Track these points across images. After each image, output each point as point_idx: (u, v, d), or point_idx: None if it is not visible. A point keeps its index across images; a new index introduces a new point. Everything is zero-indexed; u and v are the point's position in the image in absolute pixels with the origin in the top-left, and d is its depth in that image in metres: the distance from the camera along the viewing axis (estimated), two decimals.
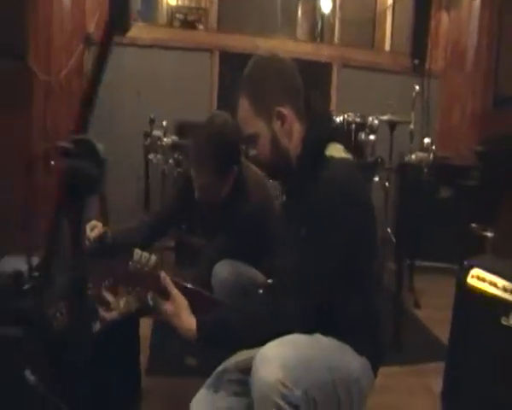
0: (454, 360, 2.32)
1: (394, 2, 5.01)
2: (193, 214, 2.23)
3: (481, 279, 2.23)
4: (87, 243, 1.98)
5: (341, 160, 1.51)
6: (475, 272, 2.24)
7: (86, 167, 0.99)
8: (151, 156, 3.24)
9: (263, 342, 1.33)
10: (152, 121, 3.20)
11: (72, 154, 1.00)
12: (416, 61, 4.01)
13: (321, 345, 1.41)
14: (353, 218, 1.42)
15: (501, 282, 2.19)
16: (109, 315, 1.78)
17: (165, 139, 3.11)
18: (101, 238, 1.98)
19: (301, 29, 6.15)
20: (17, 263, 1.92)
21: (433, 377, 2.59)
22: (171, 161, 3.09)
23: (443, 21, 4.21)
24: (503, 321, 2.14)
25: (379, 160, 2.91)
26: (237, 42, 3.98)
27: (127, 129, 3.85)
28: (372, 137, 2.89)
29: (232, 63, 3.96)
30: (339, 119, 3.01)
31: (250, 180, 2.07)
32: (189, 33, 4.02)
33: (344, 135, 2.91)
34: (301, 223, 1.46)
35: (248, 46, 3.94)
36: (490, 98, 4.09)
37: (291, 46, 4.10)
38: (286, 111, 1.51)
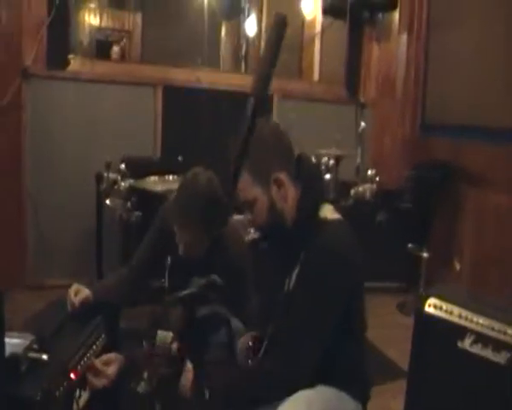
0: (414, 384, 2.50)
1: (322, 30, 5.20)
2: (169, 268, 2.19)
3: (438, 307, 2.42)
4: (70, 308, 1.98)
5: (336, 222, 1.61)
6: (432, 301, 2.44)
7: None
8: (108, 201, 3.15)
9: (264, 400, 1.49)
10: (108, 165, 3.13)
11: None
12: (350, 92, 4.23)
13: (325, 397, 1.52)
14: (346, 281, 1.56)
15: (456, 309, 2.40)
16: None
17: (122, 183, 3.06)
18: (85, 301, 2.00)
19: (224, 52, 6.21)
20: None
21: (390, 397, 2.76)
22: (128, 204, 3.03)
23: (374, 53, 4.47)
24: (459, 345, 2.36)
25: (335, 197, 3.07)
26: (178, 75, 4.02)
27: (73, 172, 3.81)
28: (328, 176, 3.04)
29: (177, 97, 3.99)
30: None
31: (227, 231, 2.11)
32: (130, 67, 4.01)
33: None
34: (293, 281, 1.57)
35: (190, 79, 4.01)
36: (417, 125, 4.39)
37: (235, 79, 4.18)
38: (282, 176, 1.58)
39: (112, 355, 1.77)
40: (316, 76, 5.39)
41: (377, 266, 4.05)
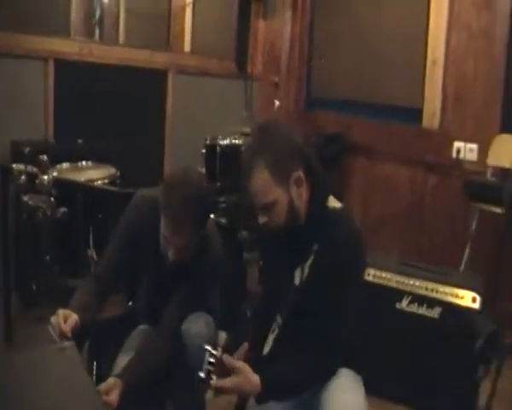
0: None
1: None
2: (146, 274, 2.06)
3: (377, 276, 2.69)
4: (59, 338, 1.72)
5: (343, 210, 1.70)
6: (371, 271, 2.70)
7: None
8: (27, 199, 2.75)
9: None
10: (19, 154, 2.75)
11: None
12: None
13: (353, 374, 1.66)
14: (363, 269, 1.69)
15: (392, 276, 2.69)
16: None
17: (45, 177, 2.68)
18: (75, 328, 1.76)
19: (75, 18, 5.80)
20: None
21: None
22: (52, 200, 2.69)
23: (261, 29, 4.58)
24: (397, 307, 2.66)
25: None
26: (68, 47, 3.73)
27: None
28: None
29: (69, 72, 3.70)
30: (224, 141, 3.13)
31: (207, 231, 2.03)
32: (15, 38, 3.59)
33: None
34: (306, 273, 1.65)
35: (82, 52, 3.75)
36: (302, 100, 4.63)
37: (125, 53, 3.98)
38: (301, 174, 1.61)
39: (111, 381, 1.70)
40: (187, 47, 5.31)
41: None
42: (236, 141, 3.14)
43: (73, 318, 1.77)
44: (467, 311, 2.54)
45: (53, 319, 1.76)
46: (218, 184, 3.04)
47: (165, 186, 1.85)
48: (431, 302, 2.60)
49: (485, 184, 3.22)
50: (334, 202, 1.71)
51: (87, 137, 3.56)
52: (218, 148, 3.06)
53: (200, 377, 1.46)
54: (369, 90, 4.10)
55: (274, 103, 3.60)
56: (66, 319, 1.75)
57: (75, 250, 2.92)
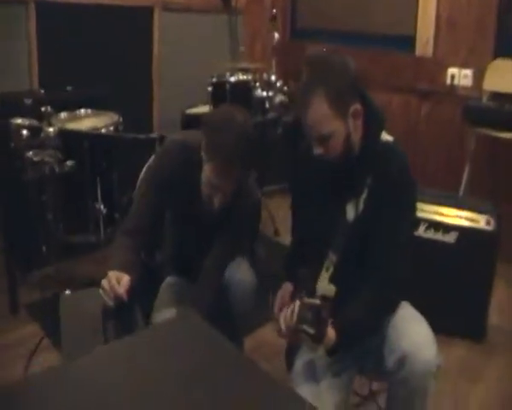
0: None
1: None
2: (180, 223, 2.02)
3: None
4: (113, 302, 1.67)
5: (395, 143, 1.71)
6: None
7: None
8: (30, 154, 2.53)
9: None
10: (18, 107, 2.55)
11: None
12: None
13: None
14: (416, 201, 1.71)
15: None
16: None
17: (50, 129, 2.49)
18: (129, 290, 1.69)
19: None
20: None
21: None
22: (59, 154, 2.50)
23: None
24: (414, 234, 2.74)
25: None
26: None
27: None
28: (270, 93, 3.06)
29: (51, 14, 3.50)
30: (233, 78, 3.07)
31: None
32: None
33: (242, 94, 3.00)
34: (361, 206, 1.66)
35: None
36: (288, 31, 4.55)
37: None
38: (359, 107, 1.60)
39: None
40: None
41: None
42: (245, 77, 3.08)
43: (126, 279, 1.70)
44: (482, 234, 2.64)
45: (104, 283, 1.69)
46: None
47: (212, 128, 1.77)
48: (446, 228, 2.70)
49: (484, 108, 3.28)
50: (385, 136, 1.72)
51: (74, 83, 3.44)
52: (227, 85, 2.99)
53: (310, 332, 1.46)
54: (360, 18, 4.06)
55: (272, 37, 3.52)
56: (118, 280, 1.68)
57: (84, 204, 2.85)
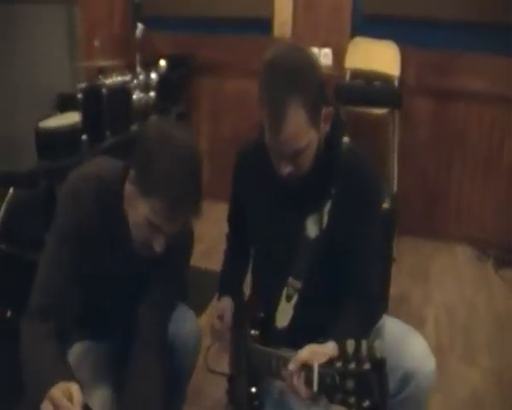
0: None
1: None
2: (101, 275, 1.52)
3: None
4: None
5: (352, 145, 1.56)
6: None
7: None
8: None
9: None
10: None
11: None
12: None
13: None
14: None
15: None
16: None
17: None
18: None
19: None
20: None
21: None
22: None
23: None
24: None
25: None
26: None
27: None
28: (152, 93, 2.73)
29: None
30: (110, 80, 2.67)
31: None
32: None
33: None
34: (325, 219, 1.49)
35: None
36: (129, 21, 4.19)
37: None
38: (330, 108, 1.43)
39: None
40: None
41: None
42: (123, 78, 2.74)
43: (76, 390, 1.26)
44: None
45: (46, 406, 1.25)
46: (108, 132, 2.66)
47: (151, 153, 1.34)
48: None
49: (355, 86, 3.38)
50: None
51: None
52: (103, 90, 2.63)
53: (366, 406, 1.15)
54: (212, 3, 3.89)
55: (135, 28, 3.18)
56: (69, 397, 1.25)
57: None
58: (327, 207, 1.49)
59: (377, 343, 1.13)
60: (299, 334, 1.48)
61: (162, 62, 3.65)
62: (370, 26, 3.53)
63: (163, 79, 3.46)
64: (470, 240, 3.63)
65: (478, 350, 2.63)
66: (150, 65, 3.57)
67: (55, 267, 1.45)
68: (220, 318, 1.69)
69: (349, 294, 1.48)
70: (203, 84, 4.06)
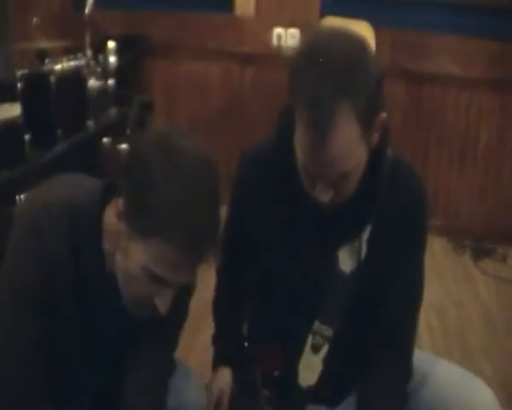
0: None
1: None
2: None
3: None
4: None
5: (403, 159, 1.28)
6: None
7: None
8: None
9: None
10: None
11: None
12: None
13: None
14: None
15: None
16: None
17: None
18: None
19: None
20: None
21: None
22: None
23: None
24: None
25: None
26: None
27: None
28: (111, 81, 2.33)
29: None
30: (59, 66, 2.22)
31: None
32: None
33: None
34: (364, 249, 1.22)
35: None
36: (69, 2, 3.73)
37: None
38: (383, 114, 1.12)
39: None
40: None
41: None
42: (76, 62, 2.30)
43: None
44: None
45: None
46: (59, 131, 2.23)
47: (155, 178, 0.96)
48: None
49: None
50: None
51: None
52: (51, 77, 2.18)
53: None
54: None
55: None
56: None
57: None
58: (366, 235, 1.22)
59: None
60: (328, 391, 1.26)
61: (111, 44, 3.23)
62: (341, 4, 3.28)
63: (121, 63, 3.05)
64: (446, 230, 3.47)
65: (476, 356, 2.46)
66: (97, 47, 3.15)
67: (8, 345, 1.05)
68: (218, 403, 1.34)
69: (381, 353, 1.22)
70: (155, 66, 3.67)
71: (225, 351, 1.41)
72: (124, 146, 2.74)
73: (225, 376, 1.37)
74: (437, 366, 1.27)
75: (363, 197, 1.17)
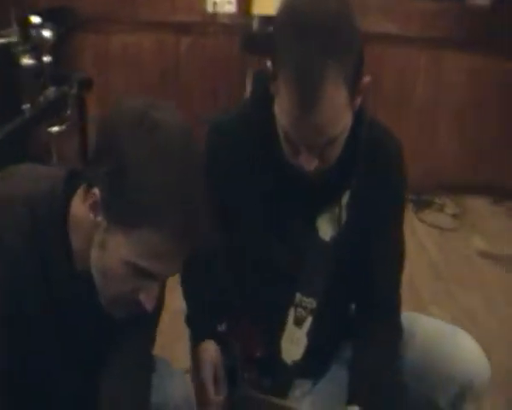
0: None
1: None
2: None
3: None
4: None
5: (374, 118, 1.24)
6: None
7: None
8: None
9: None
10: None
11: None
12: None
13: None
14: None
15: None
16: None
17: None
18: None
19: None
20: None
21: None
22: None
23: None
24: None
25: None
26: None
27: None
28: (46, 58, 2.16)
29: None
30: None
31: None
32: None
33: None
34: (344, 213, 1.19)
35: None
36: None
37: None
38: (367, 77, 1.08)
39: None
40: None
41: None
42: (10, 39, 2.12)
43: None
44: None
45: None
46: None
47: (138, 158, 0.88)
48: None
49: (267, 35, 3.08)
50: None
51: None
52: None
53: None
54: None
55: None
56: None
57: None
58: (344, 200, 1.19)
59: None
60: (314, 365, 1.24)
61: (35, 19, 3.05)
62: None
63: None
64: None
65: (426, 302, 2.59)
66: (19, 22, 2.96)
67: None
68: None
69: (371, 315, 1.23)
70: (86, 41, 3.51)
71: (203, 330, 1.31)
72: (56, 129, 2.60)
73: (211, 346, 1.26)
74: (418, 323, 1.29)
75: (343, 162, 1.14)
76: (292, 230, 1.20)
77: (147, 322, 1.09)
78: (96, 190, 0.89)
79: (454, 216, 3.43)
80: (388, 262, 1.24)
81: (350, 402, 1.15)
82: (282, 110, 1.05)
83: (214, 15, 3.36)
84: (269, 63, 1.09)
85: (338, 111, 1.03)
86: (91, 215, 0.91)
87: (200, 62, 3.48)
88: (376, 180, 1.19)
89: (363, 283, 1.23)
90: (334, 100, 1.00)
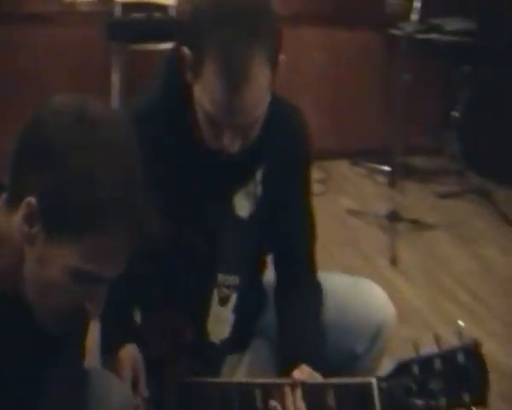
0: None
1: None
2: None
3: None
4: None
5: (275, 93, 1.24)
6: None
7: None
8: None
9: None
10: None
11: None
12: None
13: None
14: None
15: None
16: None
17: None
18: None
19: None
20: None
21: None
22: None
23: None
24: None
25: None
26: None
27: None
28: None
29: None
30: None
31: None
32: None
33: None
34: (259, 189, 1.25)
35: None
36: None
37: None
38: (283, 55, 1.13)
39: None
40: None
41: None
42: None
43: None
44: None
45: None
46: None
47: (71, 158, 0.84)
48: None
49: (133, 21, 3.08)
50: None
51: None
52: None
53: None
54: None
55: None
56: None
57: None
58: (259, 176, 1.25)
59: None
60: (241, 338, 1.29)
61: None
62: None
63: None
64: None
65: None
66: None
67: None
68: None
69: (292, 281, 1.30)
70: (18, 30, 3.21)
71: (118, 335, 1.24)
72: None
73: (131, 350, 1.19)
74: (330, 281, 1.37)
75: (257, 141, 1.18)
76: (209, 212, 1.23)
77: (76, 336, 1.03)
78: (32, 200, 0.83)
79: (321, 181, 3.64)
80: (302, 230, 1.32)
81: (287, 363, 1.20)
82: (206, 93, 1.08)
83: (72, 5, 3.24)
84: (186, 50, 1.11)
85: (264, 91, 1.09)
86: (25, 228, 0.84)
87: (60, 52, 3.31)
88: (285, 153, 1.26)
89: (282, 253, 1.32)
90: (260, 81, 1.06)
